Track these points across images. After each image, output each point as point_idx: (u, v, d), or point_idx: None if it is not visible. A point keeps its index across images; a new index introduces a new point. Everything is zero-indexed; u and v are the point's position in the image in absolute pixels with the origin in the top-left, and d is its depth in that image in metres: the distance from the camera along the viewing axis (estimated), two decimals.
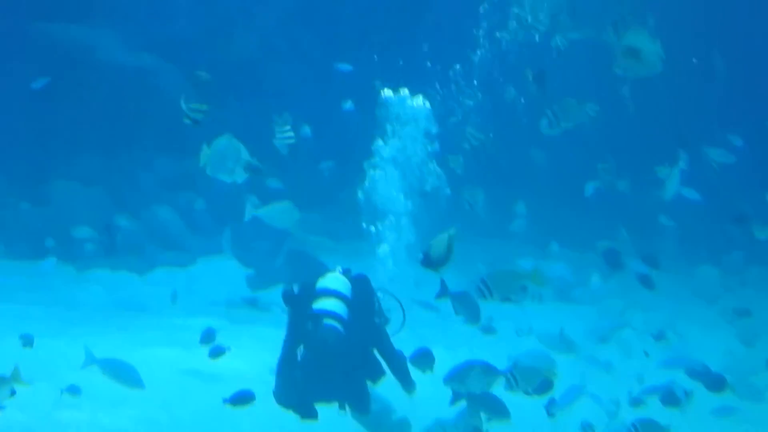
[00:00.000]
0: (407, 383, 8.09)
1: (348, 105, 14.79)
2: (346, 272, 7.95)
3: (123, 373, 8.01)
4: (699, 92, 19.07)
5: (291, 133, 8.49)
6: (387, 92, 11.84)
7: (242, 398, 7.78)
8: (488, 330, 12.11)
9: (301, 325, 7.71)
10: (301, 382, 7.72)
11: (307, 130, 13.91)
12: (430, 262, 6.44)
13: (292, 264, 15.22)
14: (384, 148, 11.90)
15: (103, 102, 17.32)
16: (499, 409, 7.46)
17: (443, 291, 8.66)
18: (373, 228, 11.44)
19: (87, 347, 8.44)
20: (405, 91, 11.94)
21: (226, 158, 7.46)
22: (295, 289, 7.91)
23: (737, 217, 11.36)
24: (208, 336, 10.29)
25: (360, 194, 11.80)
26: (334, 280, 7.81)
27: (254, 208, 8.57)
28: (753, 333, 12.22)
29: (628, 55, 7.18)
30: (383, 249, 11.24)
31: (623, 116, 18.52)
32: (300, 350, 7.79)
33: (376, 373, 7.94)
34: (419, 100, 11.94)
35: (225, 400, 7.79)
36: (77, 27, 17.92)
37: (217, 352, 9.52)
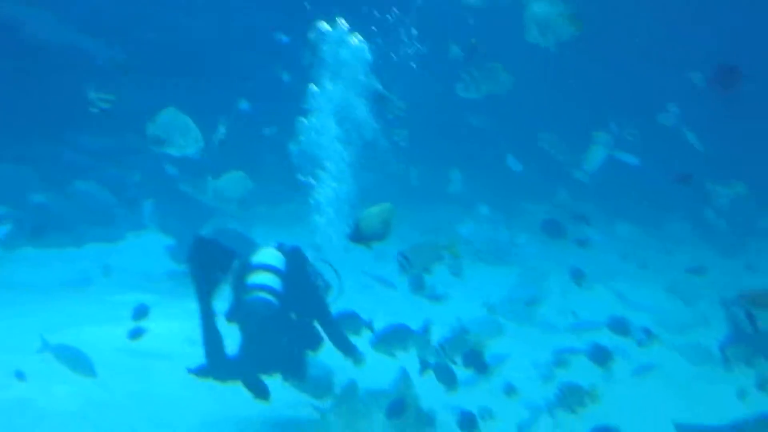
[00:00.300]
0: (349, 352, 8.24)
1: (282, 38, 14.61)
2: (280, 246, 8.12)
3: (76, 360, 7.96)
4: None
5: (110, 97, 8.29)
6: (323, 25, 11.63)
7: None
8: (439, 298, 12.42)
9: (236, 300, 7.90)
10: (240, 357, 7.93)
11: (244, 104, 13.81)
12: (360, 236, 6.34)
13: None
14: (319, 94, 11.73)
15: (30, 78, 16.98)
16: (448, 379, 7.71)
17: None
18: (310, 179, 11.36)
19: (42, 335, 8.37)
20: (342, 23, 11.77)
21: (175, 132, 7.42)
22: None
23: (681, 177, 11.66)
24: (140, 312, 10.32)
25: (292, 146, 11.69)
26: (267, 254, 7.99)
27: (212, 180, 8.56)
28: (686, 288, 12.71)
29: (531, 24, 7.27)
30: (320, 202, 11.23)
31: (560, 81, 18.97)
32: (235, 325, 7.97)
33: (315, 343, 8.13)
34: (356, 40, 11.76)
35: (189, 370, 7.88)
36: (4, 3, 17.51)
37: (136, 334, 9.47)
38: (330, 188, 11.01)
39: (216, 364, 7.93)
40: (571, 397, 7.03)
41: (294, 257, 8.11)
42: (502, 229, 16.66)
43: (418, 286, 9.93)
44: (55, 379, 8.88)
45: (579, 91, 19.68)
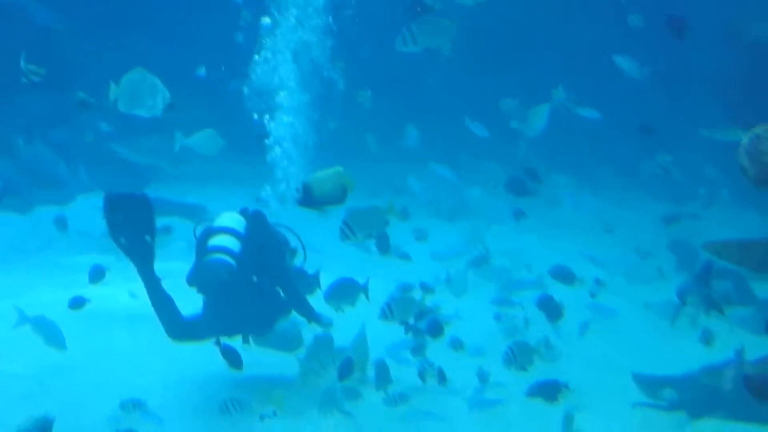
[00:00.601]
0: (311, 317, 8.30)
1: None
2: (243, 211, 8.21)
3: (49, 333, 7.87)
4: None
5: (41, 71, 8.20)
6: None
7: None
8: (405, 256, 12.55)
9: (196, 264, 7.99)
10: (202, 318, 8.03)
11: (201, 71, 13.64)
12: (310, 200, 6.19)
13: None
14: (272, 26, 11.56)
15: None
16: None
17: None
18: (265, 119, 11.25)
19: (19, 308, 8.23)
20: None
21: (141, 93, 7.33)
22: (196, 231, 8.20)
23: (643, 128, 11.79)
24: (96, 274, 10.23)
25: (245, 89, 11.54)
26: (228, 218, 8.11)
27: (183, 138, 8.48)
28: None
29: None
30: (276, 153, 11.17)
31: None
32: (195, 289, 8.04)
33: (282, 308, 8.23)
34: None
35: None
36: None
37: (77, 304, 9.35)
38: (285, 125, 10.92)
39: (172, 327, 7.98)
40: (522, 356, 7.12)
41: (255, 221, 8.18)
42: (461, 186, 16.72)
43: (384, 248, 10.00)
44: (12, 343, 8.85)
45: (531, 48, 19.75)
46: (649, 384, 8.14)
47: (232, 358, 7.51)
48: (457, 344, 8.72)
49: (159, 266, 7.92)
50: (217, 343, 7.59)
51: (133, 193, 7.83)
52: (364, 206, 6.53)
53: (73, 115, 16.64)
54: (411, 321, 8.05)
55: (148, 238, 7.81)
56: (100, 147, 15.57)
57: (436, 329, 8.05)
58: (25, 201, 15.44)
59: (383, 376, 7.71)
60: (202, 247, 8.00)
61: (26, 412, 7.51)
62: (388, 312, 7.27)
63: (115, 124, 15.64)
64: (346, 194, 6.17)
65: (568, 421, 7.25)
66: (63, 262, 12.26)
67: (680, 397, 7.88)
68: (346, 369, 7.01)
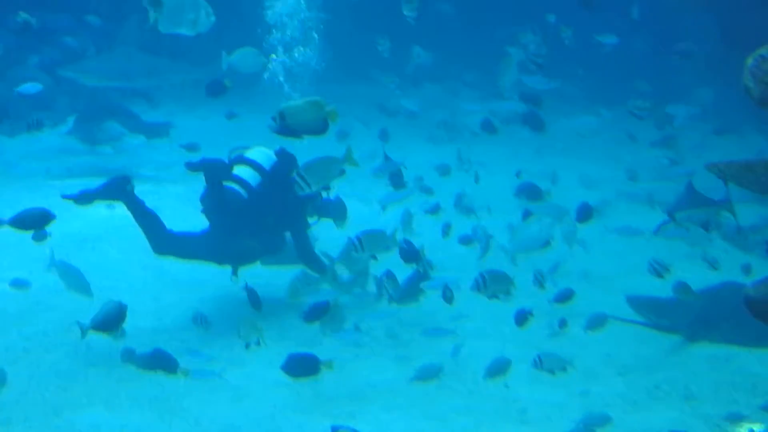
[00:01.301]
0: (316, 269, 8.35)
1: None
2: (278, 151, 8.29)
3: (75, 281, 7.65)
4: None
5: None
6: None
7: None
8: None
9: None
10: (197, 240, 8.15)
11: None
12: (285, 128, 6.02)
13: None
14: None
15: None
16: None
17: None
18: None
19: (52, 250, 8.15)
20: None
21: (183, 10, 7.18)
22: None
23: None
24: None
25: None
26: (259, 152, 8.22)
27: (227, 55, 8.48)
28: None
29: None
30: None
31: None
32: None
33: (275, 247, 8.35)
34: None
35: None
36: None
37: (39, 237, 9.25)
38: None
39: (158, 243, 8.10)
40: (495, 285, 7.12)
41: (283, 160, 8.23)
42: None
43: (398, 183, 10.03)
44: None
45: None
46: (644, 306, 8.21)
47: (254, 300, 7.59)
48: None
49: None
50: (245, 287, 7.64)
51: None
52: (317, 158, 6.51)
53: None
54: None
55: None
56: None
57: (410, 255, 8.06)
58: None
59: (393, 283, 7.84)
60: (219, 175, 8.09)
61: (23, 330, 7.72)
62: (358, 245, 7.23)
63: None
64: (327, 123, 6.06)
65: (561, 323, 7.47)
66: (50, 185, 12.24)
67: (676, 319, 7.97)
68: (315, 312, 7.06)
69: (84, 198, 8.01)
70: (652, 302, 8.20)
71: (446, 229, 9.36)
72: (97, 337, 7.24)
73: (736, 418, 6.45)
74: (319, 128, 6.04)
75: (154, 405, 6.65)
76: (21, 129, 13.82)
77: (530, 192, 9.15)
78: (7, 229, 6.96)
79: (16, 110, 13.84)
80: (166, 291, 8.78)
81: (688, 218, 8.03)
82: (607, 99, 14.88)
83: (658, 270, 7.55)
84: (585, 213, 8.49)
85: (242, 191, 8.00)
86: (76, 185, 8.64)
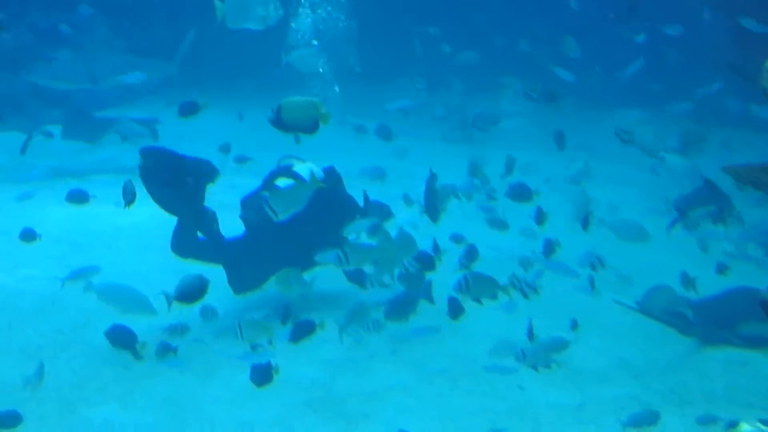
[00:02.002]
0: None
1: None
2: (326, 168, 8.43)
3: (130, 301, 7.38)
4: None
5: None
6: None
7: None
8: None
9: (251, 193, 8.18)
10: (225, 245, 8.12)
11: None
12: (278, 122, 6.37)
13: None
14: None
15: None
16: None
17: None
18: None
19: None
20: None
21: (252, 4, 7.27)
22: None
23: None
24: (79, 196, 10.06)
25: None
26: (305, 167, 8.31)
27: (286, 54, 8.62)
28: None
29: None
30: None
31: None
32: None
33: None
34: None
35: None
36: None
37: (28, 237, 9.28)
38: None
39: (179, 244, 8.08)
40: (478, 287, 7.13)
41: (331, 179, 8.35)
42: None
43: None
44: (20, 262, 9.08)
45: None
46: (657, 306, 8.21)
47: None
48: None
49: None
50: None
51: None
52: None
53: None
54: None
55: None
56: None
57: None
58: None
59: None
60: (267, 182, 8.20)
61: (38, 327, 7.82)
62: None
63: None
64: (317, 125, 6.33)
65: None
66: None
67: (692, 321, 7.99)
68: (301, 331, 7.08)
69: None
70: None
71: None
72: (115, 336, 7.43)
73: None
74: (310, 128, 6.33)
75: (168, 403, 6.74)
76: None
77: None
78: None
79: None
80: None
81: (699, 215, 8.07)
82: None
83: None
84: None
85: None
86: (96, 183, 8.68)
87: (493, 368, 7.23)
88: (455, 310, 7.56)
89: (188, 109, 7.76)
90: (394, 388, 7.06)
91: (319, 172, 8.30)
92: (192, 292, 6.61)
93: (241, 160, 11.34)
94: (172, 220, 8.11)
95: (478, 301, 7.07)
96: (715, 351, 7.76)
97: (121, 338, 7.09)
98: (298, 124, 6.35)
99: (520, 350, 6.77)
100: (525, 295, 7.55)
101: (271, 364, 6.59)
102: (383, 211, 8.70)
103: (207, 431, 6.41)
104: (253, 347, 7.06)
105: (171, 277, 7.55)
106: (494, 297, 7.06)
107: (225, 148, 11.51)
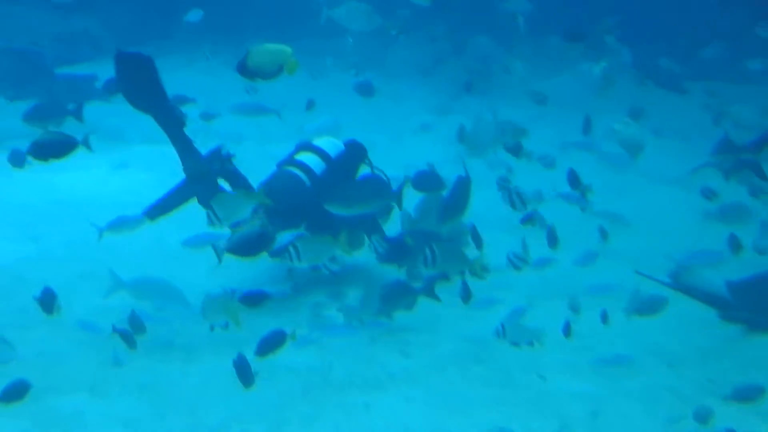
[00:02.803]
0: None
1: None
2: (347, 141, 8.05)
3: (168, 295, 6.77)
4: None
5: None
6: None
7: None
8: None
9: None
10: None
11: None
12: (243, 68, 6.20)
13: None
14: None
15: None
16: None
17: None
18: None
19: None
20: None
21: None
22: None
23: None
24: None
25: None
26: (326, 141, 7.96)
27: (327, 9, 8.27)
28: None
29: None
30: None
31: None
32: None
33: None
34: None
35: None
36: None
37: None
38: None
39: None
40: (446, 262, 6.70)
41: (352, 150, 7.99)
42: None
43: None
44: None
45: None
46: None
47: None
48: None
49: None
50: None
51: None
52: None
53: None
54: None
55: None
56: None
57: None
58: None
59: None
60: (287, 158, 7.85)
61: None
62: None
63: None
64: (279, 72, 6.20)
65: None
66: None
67: (732, 303, 7.35)
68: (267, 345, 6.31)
69: None
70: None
71: None
72: (85, 315, 6.84)
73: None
74: (272, 74, 6.19)
75: (145, 392, 6.10)
76: None
77: None
78: None
79: None
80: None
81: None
82: None
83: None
84: None
85: (305, 178, 7.62)
86: None
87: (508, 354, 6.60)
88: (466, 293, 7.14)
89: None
90: (398, 376, 6.45)
91: (338, 144, 7.95)
92: (248, 244, 6.23)
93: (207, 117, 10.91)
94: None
95: (446, 278, 6.94)
96: (763, 337, 7.12)
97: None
98: (260, 70, 6.18)
99: (500, 325, 6.29)
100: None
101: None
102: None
103: (188, 424, 5.77)
104: (212, 328, 6.51)
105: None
106: (462, 274, 6.84)
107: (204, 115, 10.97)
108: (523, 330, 6.41)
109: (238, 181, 7.79)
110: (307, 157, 7.75)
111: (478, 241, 8.00)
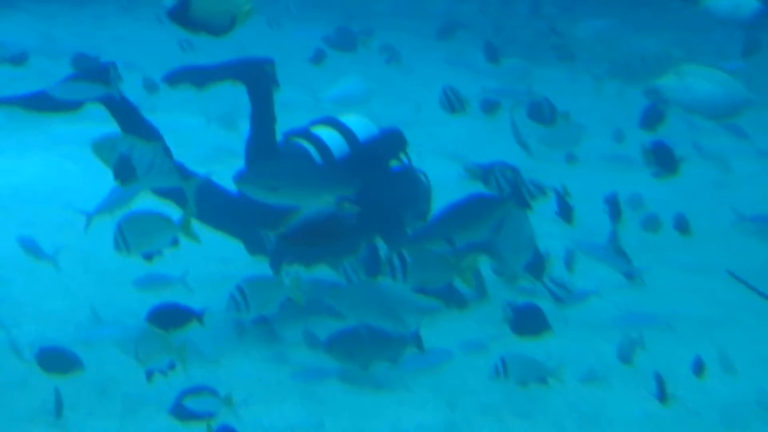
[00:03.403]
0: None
1: None
2: (386, 129, 6.67)
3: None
4: None
5: None
6: None
7: None
8: None
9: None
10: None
11: None
12: (183, 14, 4.76)
13: None
14: None
15: None
16: None
17: None
18: None
19: None
20: None
21: None
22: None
23: None
24: None
25: None
26: (356, 119, 6.60)
27: None
28: None
29: None
30: None
31: None
32: None
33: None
34: None
35: None
36: None
37: None
38: None
39: None
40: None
41: (389, 136, 6.57)
42: None
43: None
44: None
45: None
46: None
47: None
48: None
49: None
50: None
51: None
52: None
53: None
54: None
55: None
56: None
57: None
58: None
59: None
60: (299, 129, 6.50)
61: None
62: None
63: None
64: (234, 24, 4.88)
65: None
66: None
67: None
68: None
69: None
70: None
71: None
72: None
73: None
74: (223, 27, 4.85)
75: None
76: None
77: None
78: None
79: None
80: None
81: None
82: None
83: None
84: None
85: (317, 155, 6.23)
86: None
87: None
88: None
89: None
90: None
91: (371, 128, 6.51)
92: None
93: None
94: None
95: (423, 291, 5.89)
96: None
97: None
98: (208, 20, 4.81)
99: (500, 360, 4.88)
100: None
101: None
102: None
103: None
104: (148, 374, 4.83)
105: None
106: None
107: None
108: (533, 367, 4.98)
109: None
110: (326, 134, 6.36)
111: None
